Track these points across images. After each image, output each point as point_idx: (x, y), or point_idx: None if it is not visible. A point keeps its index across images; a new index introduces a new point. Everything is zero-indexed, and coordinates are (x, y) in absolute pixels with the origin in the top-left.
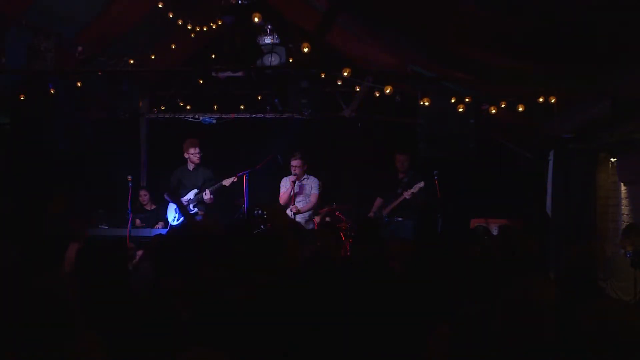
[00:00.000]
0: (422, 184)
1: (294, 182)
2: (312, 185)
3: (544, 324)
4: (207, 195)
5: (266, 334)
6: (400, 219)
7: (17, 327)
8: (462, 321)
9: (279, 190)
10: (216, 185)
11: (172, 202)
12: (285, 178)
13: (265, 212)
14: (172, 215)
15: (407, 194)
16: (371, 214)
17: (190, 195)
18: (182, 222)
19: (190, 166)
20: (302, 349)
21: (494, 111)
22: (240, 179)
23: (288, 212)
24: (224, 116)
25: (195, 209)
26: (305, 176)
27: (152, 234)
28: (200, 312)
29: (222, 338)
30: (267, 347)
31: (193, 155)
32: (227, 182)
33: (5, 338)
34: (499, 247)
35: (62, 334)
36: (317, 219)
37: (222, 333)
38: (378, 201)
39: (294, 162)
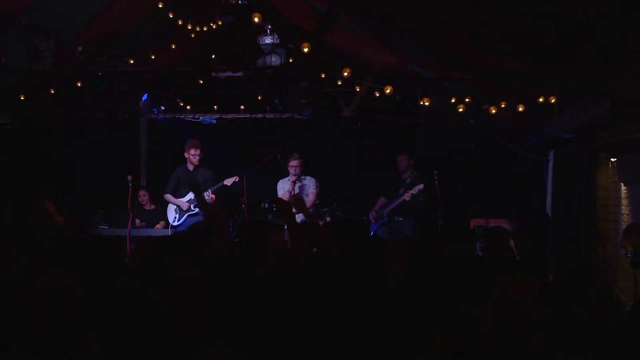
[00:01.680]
0: (421, 186)
1: (294, 183)
2: (310, 185)
3: (532, 323)
4: (208, 195)
5: (271, 332)
6: (400, 218)
7: (23, 328)
8: (461, 323)
9: (277, 194)
10: (217, 185)
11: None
12: (281, 180)
13: (274, 205)
14: (173, 216)
15: (406, 196)
16: (373, 213)
17: (191, 195)
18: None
19: (190, 166)
20: (307, 347)
21: (494, 111)
22: (241, 178)
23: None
24: (224, 116)
25: (196, 209)
26: (302, 177)
27: (152, 234)
28: (210, 311)
29: (233, 337)
30: (275, 345)
31: (193, 156)
32: (228, 182)
33: (10, 339)
34: (487, 248)
35: (69, 335)
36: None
37: (233, 332)
38: (381, 200)
39: (294, 163)
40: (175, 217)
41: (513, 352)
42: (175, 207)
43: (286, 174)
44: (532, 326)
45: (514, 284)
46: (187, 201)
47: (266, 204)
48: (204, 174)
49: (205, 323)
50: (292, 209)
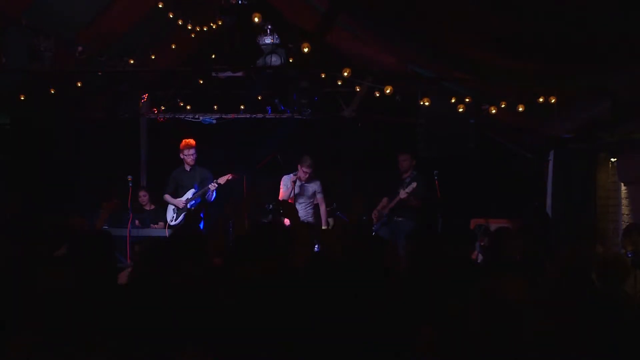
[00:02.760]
0: (414, 185)
1: (294, 182)
2: (315, 188)
3: (519, 322)
4: (214, 185)
5: (262, 333)
6: (400, 218)
7: (24, 323)
8: (446, 321)
9: (279, 189)
10: (211, 185)
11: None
12: (285, 176)
13: (280, 207)
14: (171, 215)
15: (402, 194)
16: (375, 212)
17: (189, 194)
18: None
19: (187, 167)
20: (294, 348)
21: (494, 111)
22: (241, 178)
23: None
24: (224, 116)
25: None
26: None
27: (151, 234)
28: (193, 312)
29: (215, 338)
30: (261, 346)
31: (187, 156)
32: (222, 180)
33: (12, 334)
34: (489, 249)
35: (67, 332)
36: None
37: (216, 333)
38: (384, 200)
39: (306, 169)
40: (173, 217)
41: (502, 351)
42: (173, 206)
43: (288, 172)
44: (521, 325)
45: (502, 283)
46: (184, 200)
47: (270, 205)
48: (201, 174)
49: (191, 323)
50: (297, 212)
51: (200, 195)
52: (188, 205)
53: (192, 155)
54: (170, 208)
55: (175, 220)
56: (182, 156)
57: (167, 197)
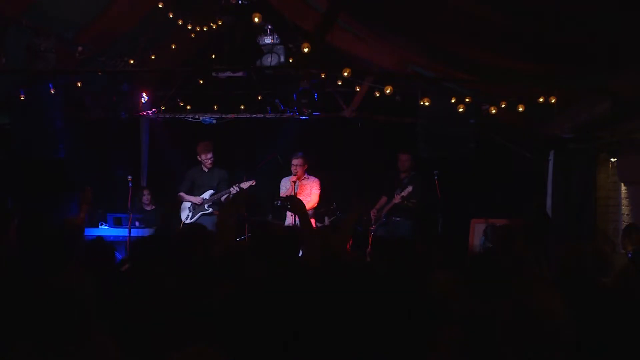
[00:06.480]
0: (410, 189)
1: (294, 182)
2: (312, 184)
3: (555, 331)
4: (235, 189)
5: (266, 332)
6: (398, 219)
7: (30, 327)
8: (473, 321)
9: (279, 191)
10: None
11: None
12: (284, 179)
13: (287, 203)
14: (186, 214)
15: (396, 199)
16: (374, 211)
17: (206, 195)
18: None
19: (205, 167)
20: (302, 347)
21: (494, 111)
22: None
23: (289, 213)
24: (224, 116)
25: (210, 209)
26: (305, 176)
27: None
28: (196, 309)
29: (218, 335)
30: (265, 344)
31: (205, 160)
32: (245, 185)
33: (18, 337)
34: (495, 247)
35: (77, 334)
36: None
37: (218, 330)
38: (383, 199)
39: (295, 162)
40: (188, 215)
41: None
42: (189, 205)
43: (288, 173)
44: (557, 335)
45: (538, 290)
46: (201, 201)
47: (279, 202)
48: (219, 175)
49: (193, 322)
50: (305, 208)
51: (218, 197)
52: (205, 206)
53: (210, 159)
54: (186, 206)
55: (191, 219)
56: (200, 159)
57: (183, 194)
